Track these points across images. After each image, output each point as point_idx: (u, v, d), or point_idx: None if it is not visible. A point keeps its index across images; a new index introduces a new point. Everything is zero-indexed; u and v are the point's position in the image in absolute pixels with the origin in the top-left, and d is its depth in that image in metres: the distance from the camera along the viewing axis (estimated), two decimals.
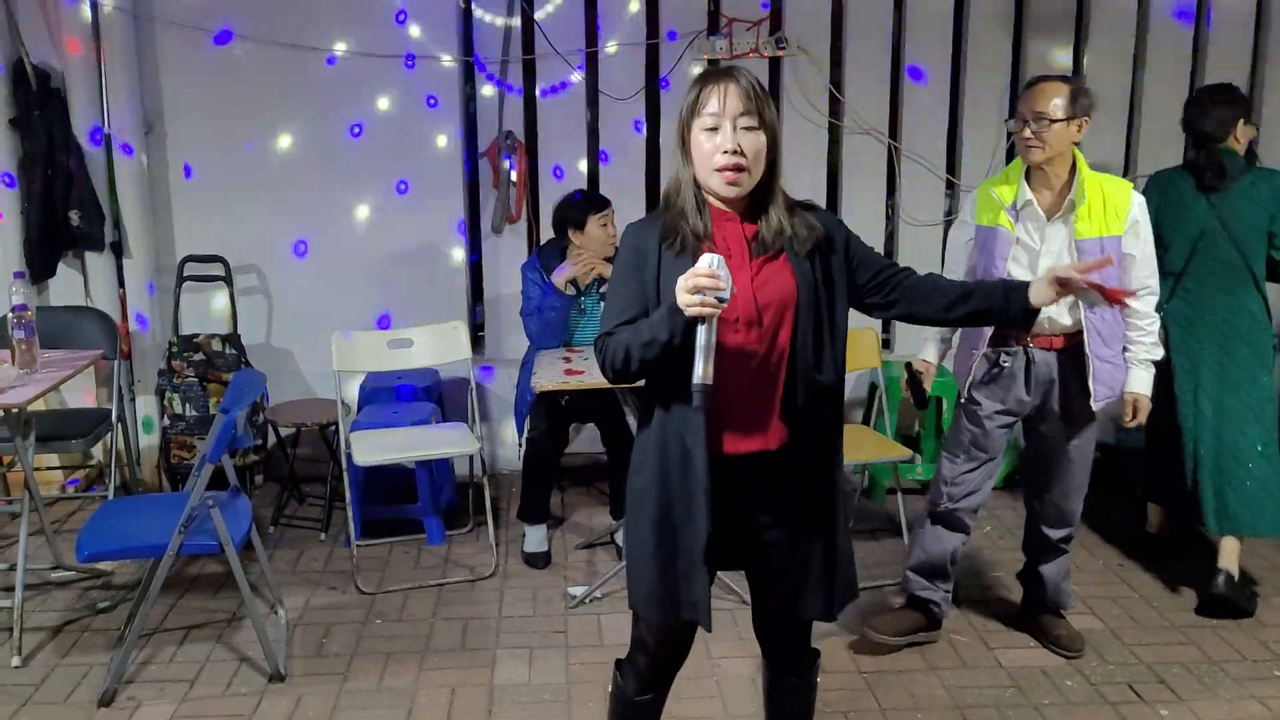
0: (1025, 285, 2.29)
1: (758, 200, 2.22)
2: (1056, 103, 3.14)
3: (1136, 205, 3.26)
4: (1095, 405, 3.31)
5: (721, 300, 1.97)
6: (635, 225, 2.29)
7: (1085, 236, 3.20)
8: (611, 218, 4.25)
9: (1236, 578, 3.80)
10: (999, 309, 2.31)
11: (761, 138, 2.14)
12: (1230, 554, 3.83)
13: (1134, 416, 3.38)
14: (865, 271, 2.31)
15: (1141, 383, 3.36)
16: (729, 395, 2.16)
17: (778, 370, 2.20)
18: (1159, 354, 3.38)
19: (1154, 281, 3.33)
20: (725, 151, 2.12)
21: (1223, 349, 3.83)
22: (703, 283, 1.96)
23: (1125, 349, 3.34)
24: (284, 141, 4.88)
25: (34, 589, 3.95)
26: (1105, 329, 3.29)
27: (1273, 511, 3.82)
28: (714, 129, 2.14)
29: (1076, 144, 3.24)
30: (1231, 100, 3.84)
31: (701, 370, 1.99)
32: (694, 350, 2.00)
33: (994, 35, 5.07)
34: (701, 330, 2.00)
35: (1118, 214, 3.22)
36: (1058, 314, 3.26)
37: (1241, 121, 3.83)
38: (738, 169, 2.13)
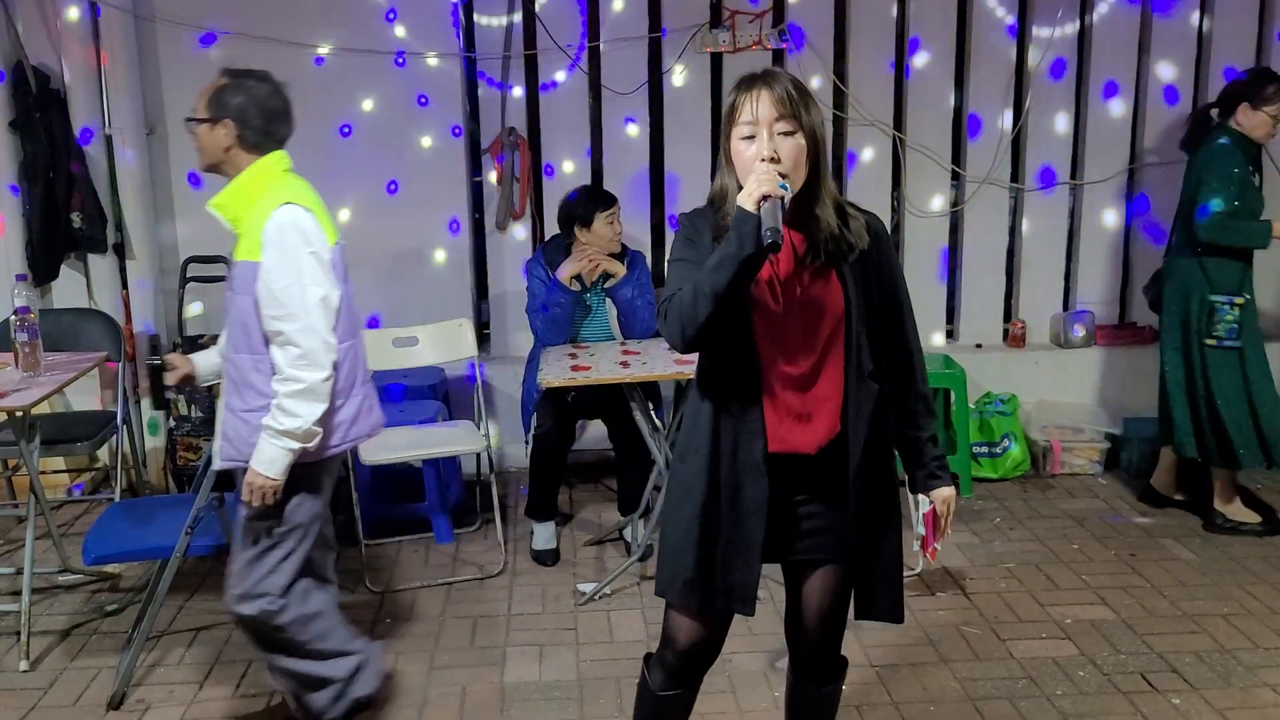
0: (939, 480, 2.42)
1: (804, 205, 2.17)
2: None
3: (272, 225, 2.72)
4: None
5: (784, 185, 2.02)
6: (689, 214, 2.29)
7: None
8: (617, 214, 4.24)
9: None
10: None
11: (800, 142, 2.11)
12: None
13: None
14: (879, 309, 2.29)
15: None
16: (780, 400, 2.20)
17: (824, 375, 2.22)
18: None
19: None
20: (763, 159, 2.08)
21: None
22: (762, 176, 2.02)
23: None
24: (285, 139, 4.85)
25: (41, 592, 3.94)
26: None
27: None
28: (751, 137, 2.12)
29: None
30: (1246, 80, 4.15)
31: (775, 224, 1.98)
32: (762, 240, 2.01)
33: (999, 26, 5.04)
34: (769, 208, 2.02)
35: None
36: None
37: (1247, 105, 4.04)
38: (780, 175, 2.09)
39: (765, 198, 2.00)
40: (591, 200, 4.23)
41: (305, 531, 2.85)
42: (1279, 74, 4.23)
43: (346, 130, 4.89)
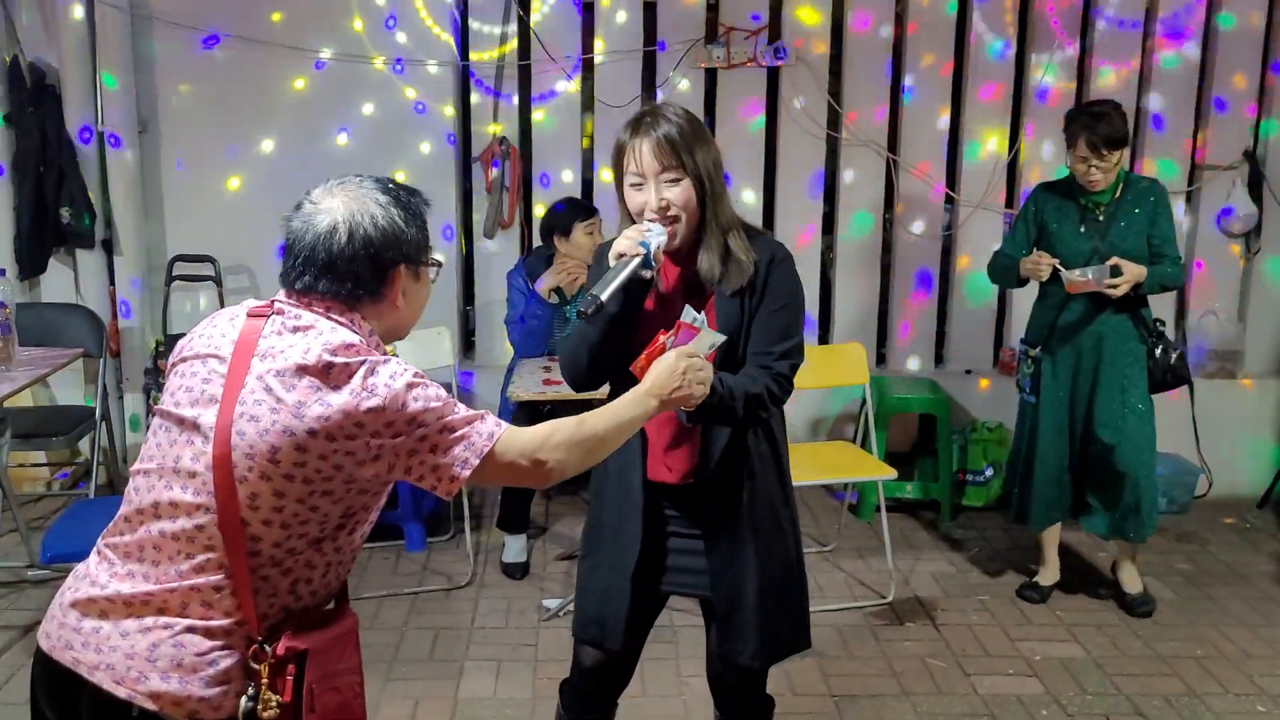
0: None
1: (695, 242, 2.20)
2: None
3: None
4: None
5: (644, 244, 2.07)
6: (605, 244, 2.29)
7: None
8: (599, 226, 4.21)
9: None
10: None
11: (688, 187, 2.12)
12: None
13: None
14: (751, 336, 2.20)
15: None
16: (653, 426, 2.19)
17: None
18: None
19: None
20: (654, 210, 2.13)
21: None
22: (627, 235, 2.11)
23: None
24: (277, 143, 4.87)
25: (8, 586, 3.94)
26: None
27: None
28: (639, 185, 2.14)
29: None
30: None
31: (602, 291, 2.04)
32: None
33: (996, 48, 5.00)
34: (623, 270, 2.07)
35: None
36: None
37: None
38: (669, 221, 2.14)
39: (620, 255, 2.07)
40: (572, 211, 4.21)
41: None
42: (1078, 112, 3.75)
43: (340, 135, 4.89)
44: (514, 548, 4.23)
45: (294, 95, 4.84)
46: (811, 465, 4.07)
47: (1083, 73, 5.07)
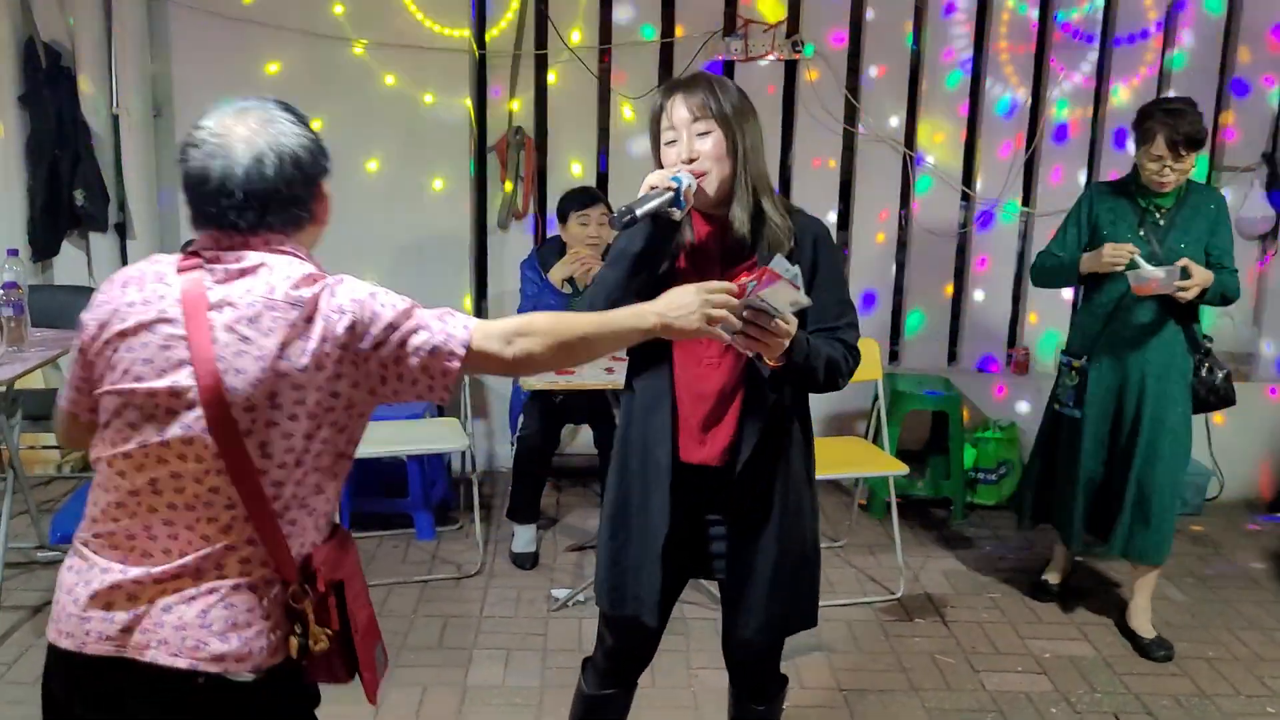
0: None
1: (725, 201, 2.17)
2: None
3: None
4: None
5: (677, 179, 2.04)
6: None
7: None
8: (596, 216, 4.17)
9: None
10: None
11: (719, 138, 2.11)
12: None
13: None
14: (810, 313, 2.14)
15: None
16: (688, 404, 2.19)
17: (736, 384, 2.18)
18: None
19: None
20: (683, 161, 2.12)
21: None
22: (656, 179, 2.06)
23: None
24: None
25: (18, 567, 3.94)
26: None
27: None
28: (673, 141, 2.15)
29: None
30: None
31: (637, 207, 2.00)
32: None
33: (1015, 46, 4.97)
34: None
35: None
36: None
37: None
38: (698, 173, 2.12)
39: (653, 187, 2.03)
40: (570, 199, 4.22)
41: None
42: (1154, 108, 3.49)
43: (355, 121, 4.87)
44: (523, 538, 4.23)
45: (310, 80, 4.82)
46: (823, 460, 3.93)
47: (1101, 78, 5.04)
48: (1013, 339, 5.31)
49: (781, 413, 2.21)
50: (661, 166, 2.17)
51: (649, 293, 1.93)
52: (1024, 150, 5.05)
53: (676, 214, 2.05)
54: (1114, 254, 3.42)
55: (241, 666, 1.60)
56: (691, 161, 2.11)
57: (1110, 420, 3.65)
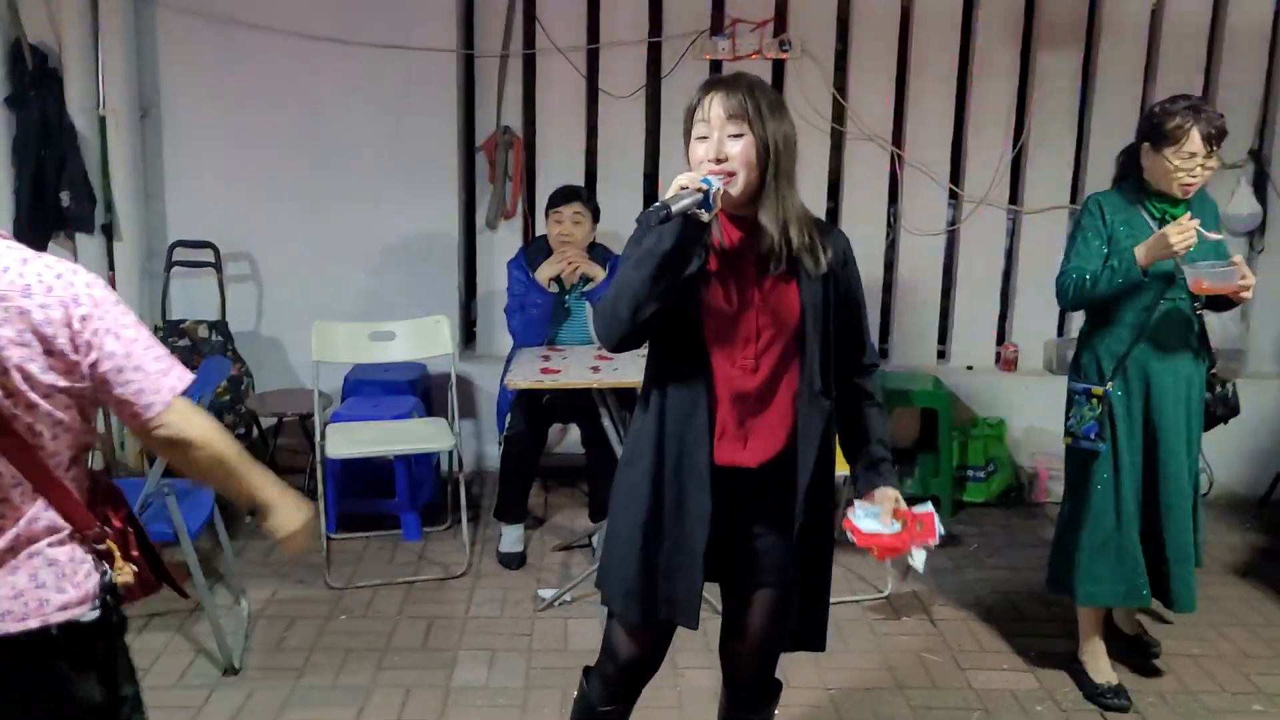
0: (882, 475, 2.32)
1: (754, 210, 2.17)
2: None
3: None
4: None
5: (707, 180, 2.04)
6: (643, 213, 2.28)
7: None
8: (570, 214, 4.17)
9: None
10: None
11: (750, 144, 2.10)
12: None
13: None
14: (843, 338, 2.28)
15: None
16: (728, 411, 2.19)
17: (774, 389, 2.20)
18: None
19: None
20: (711, 159, 2.11)
21: None
22: (686, 179, 2.04)
23: None
24: (279, 129, 4.85)
25: None
26: None
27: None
28: (705, 137, 2.14)
29: None
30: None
31: (671, 204, 2.00)
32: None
33: (1002, 43, 4.97)
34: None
35: None
36: None
37: (1146, 145, 3.17)
38: (725, 174, 2.11)
39: (684, 188, 2.02)
40: (551, 197, 4.24)
41: None
42: (1175, 104, 3.11)
43: (343, 121, 4.87)
44: (510, 538, 4.22)
45: (298, 80, 4.82)
46: None
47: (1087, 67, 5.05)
48: (1001, 336, 5.31)
49: (829, 420, 2.26)
50: (689, 160, 2.17)
51: (674, 294, 2.04)
52: (1010, 149, 5.05)
53: (704, 215, 2.03)
54: (1182, 234, 2.97)
55: (85, 607, 1.77)
56: (720, 161, 2.10)
57: (1141, 454, 3.25)
